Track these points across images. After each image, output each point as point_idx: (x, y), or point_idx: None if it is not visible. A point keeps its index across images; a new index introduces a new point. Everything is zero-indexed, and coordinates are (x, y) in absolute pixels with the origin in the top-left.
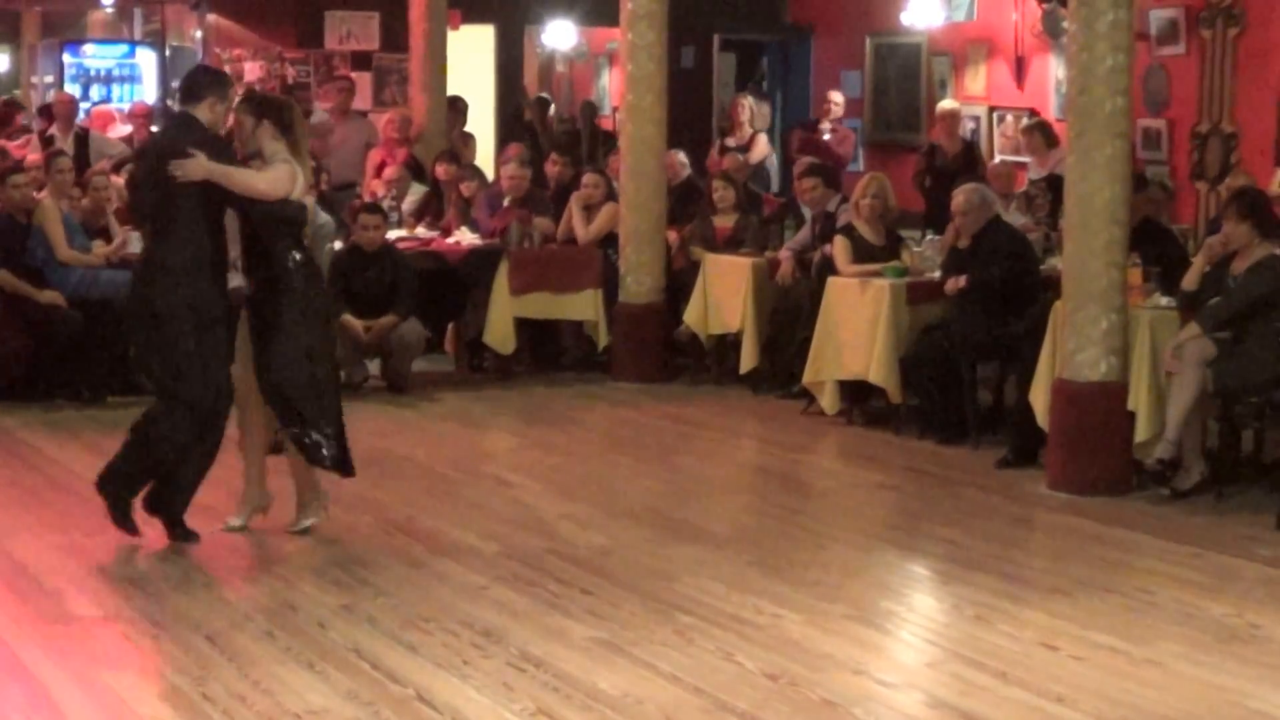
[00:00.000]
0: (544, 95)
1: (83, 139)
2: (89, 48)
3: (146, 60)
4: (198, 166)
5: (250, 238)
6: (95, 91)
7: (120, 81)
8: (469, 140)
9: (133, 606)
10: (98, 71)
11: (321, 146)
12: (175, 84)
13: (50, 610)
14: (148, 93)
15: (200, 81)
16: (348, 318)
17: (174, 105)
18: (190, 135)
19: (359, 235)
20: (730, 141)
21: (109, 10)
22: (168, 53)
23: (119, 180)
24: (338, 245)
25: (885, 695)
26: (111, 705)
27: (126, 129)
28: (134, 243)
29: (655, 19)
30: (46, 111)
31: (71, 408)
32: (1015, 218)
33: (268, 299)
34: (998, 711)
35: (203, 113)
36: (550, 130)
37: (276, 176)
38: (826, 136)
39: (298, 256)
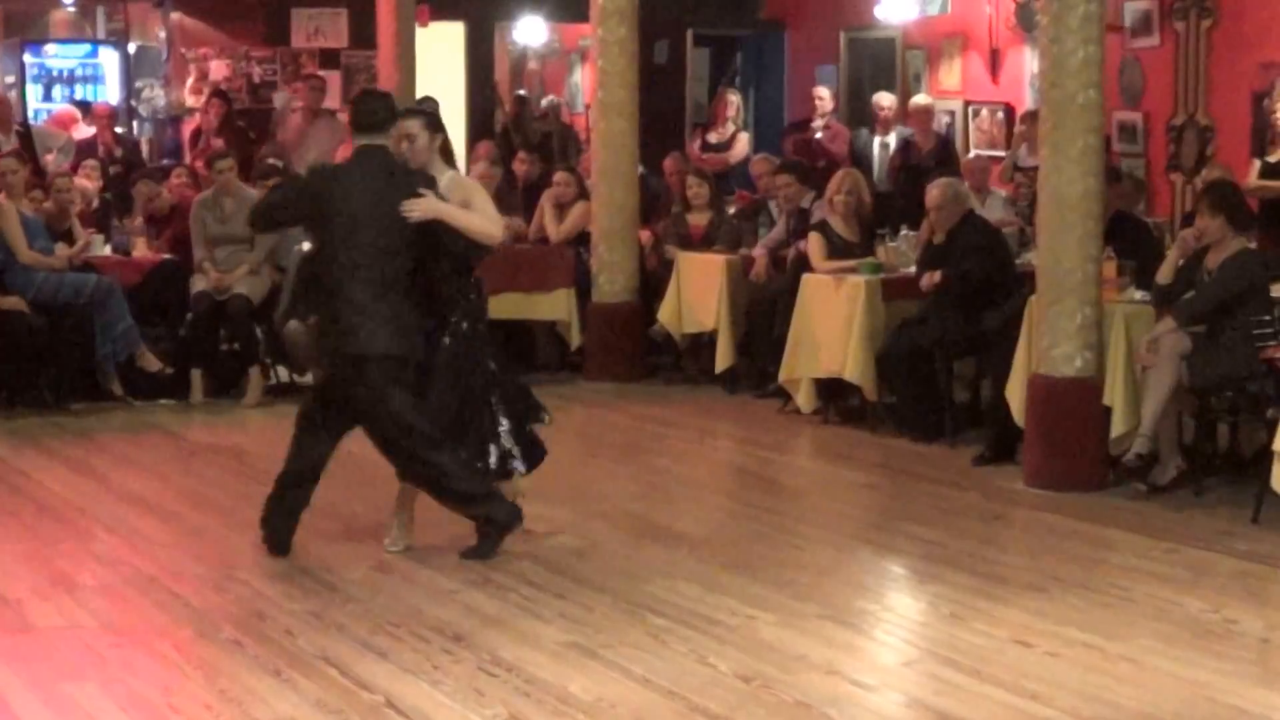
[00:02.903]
0: (522, 93)
1: (25, 136)
2: (51, 47)
3: (109, 60)
4: (430, 205)
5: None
6: (58, 92)
7: (83, 81)
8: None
9: (96, 616)
10: (60, 72)
11: (287, 144)
12: (139, 84)
13: (11, 620)
14: (110, 93)
15: (381, 109)
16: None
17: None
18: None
19: None
20: (712, 137)
21: (71, 9)
22: (131, 52)
23: (84, 182)
24: (306, 246)
25: (860, 696)
26: (74, 717)
27: (90, 130)
28: (97, 245)
29: (626, 14)
30: None
31: (34, 414)
32: (991, 212)
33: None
34: (973, 710)
35: (391, 143)
36: (526, 128)
37: (494, 213)
38: (818, 135)
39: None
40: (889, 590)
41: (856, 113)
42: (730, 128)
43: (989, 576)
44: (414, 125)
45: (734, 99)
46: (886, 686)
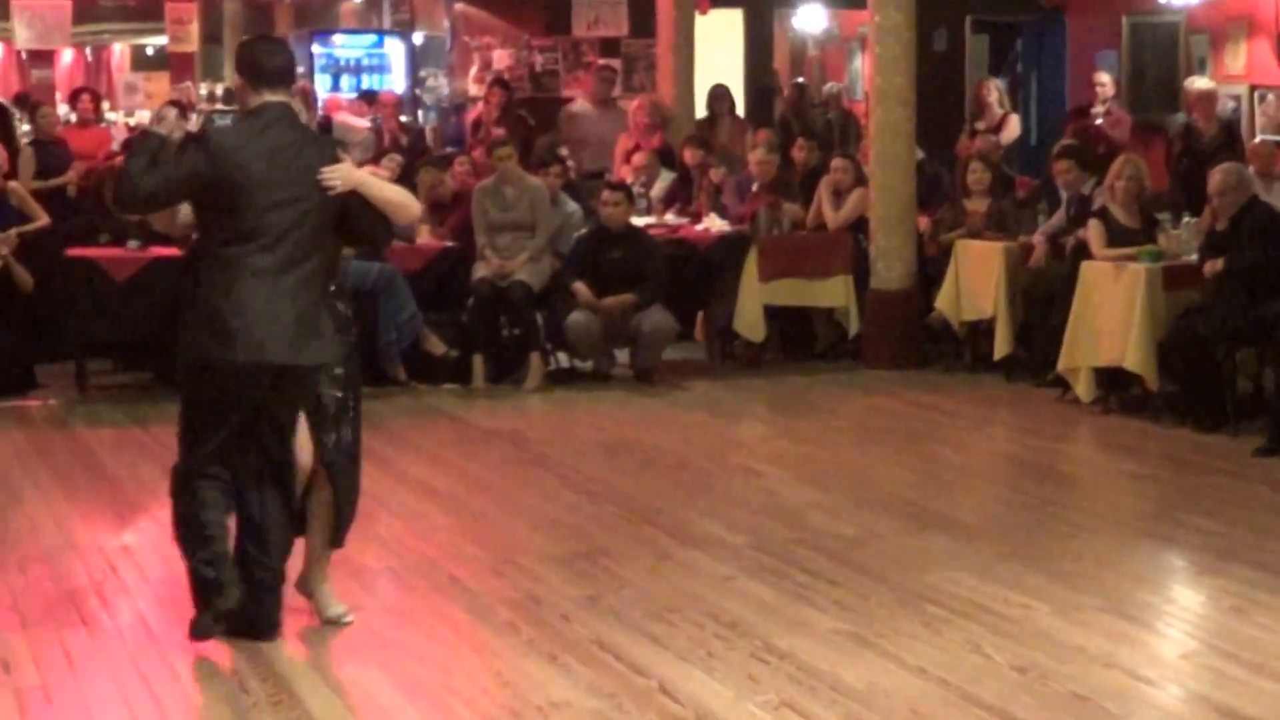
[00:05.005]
0: (800, 80)
1: (325, 129)
2: (338, 38)
3: (395, 50)
4: (350, 173)
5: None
6: (345, 81)
7: (369, 71)
8: (743, 129)
9: (378, 598)
10: (347, 61)
11: (574, 134)
12: (423, 73)
13: (291, 601)
14: (396, 82)
15: (286, 56)
16: (579, 285)
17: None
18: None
19: (602, 212)
20: (980, 125)
21: (358, 1)
22: (416, 42)
23: (381, 173)
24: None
25: (1137, 689)
26: (355, 697)
27: (362, 122)
28: None
29: (903, 1)
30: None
31: None
32: (1277, 199)
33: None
34: (1255, 705)
35: (298, 102)
36: (805, 115)
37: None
38: (1099, 121)
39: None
40: (1169, 582)
41: (1139, 98)
42: (997, 112)
43: (1271, 569)
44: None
45: (993, 84)
46: (1165, 680)
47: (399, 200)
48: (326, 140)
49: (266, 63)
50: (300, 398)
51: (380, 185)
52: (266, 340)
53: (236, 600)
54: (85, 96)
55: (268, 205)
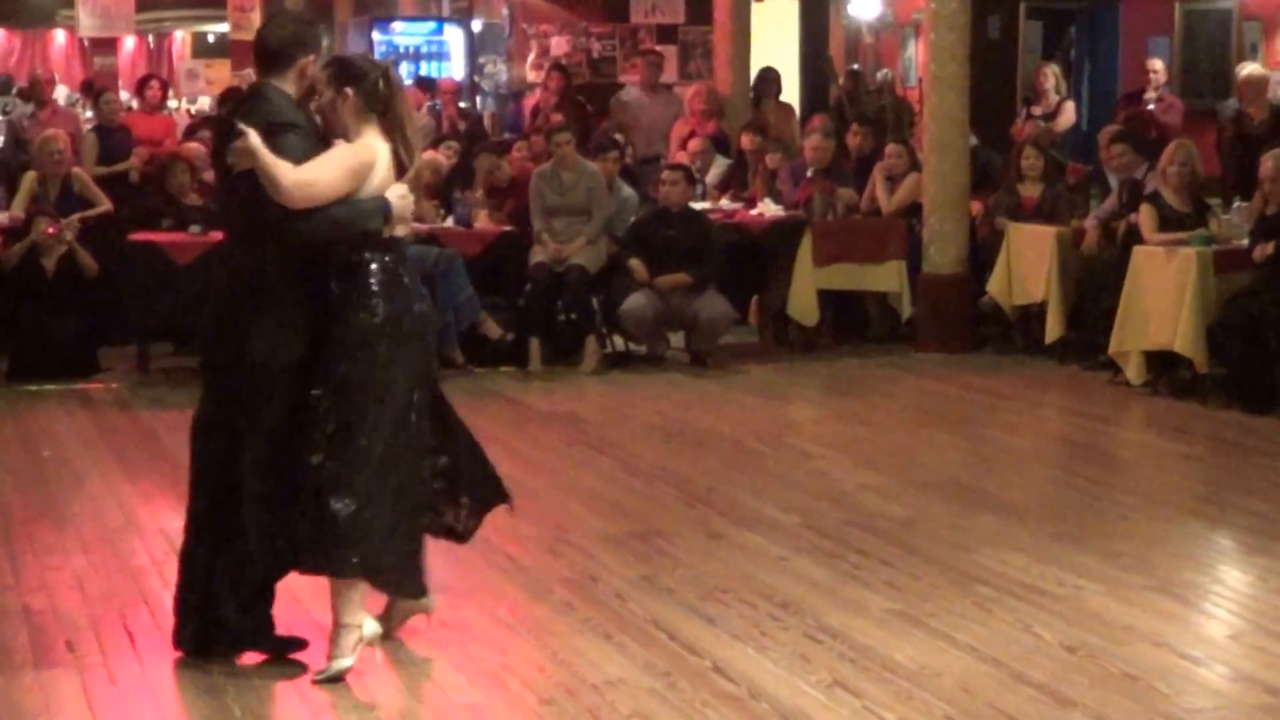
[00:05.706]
0: (855, 67)
1: None
2: (397, 25)
3: (454, 37)
4: (248, 147)
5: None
6: (404, 68)
7: (428, 59)
8: (789, 112)
9: (432, 577)
10: (406, 49)
11: (626, 121)
12: (482, 60)
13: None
14: (455, 69)
15: (277, 36)
16: (635, 261)
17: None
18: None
19: (661, 191)
20: (1036, 110)
21: None
22: (475, 29)
23: (438, 157)
24: None
25: (1186, 668)
26: (411, 675)
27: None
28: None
29: None
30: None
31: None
32: None
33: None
34: None
35: (289, 83)
36: (860, 102)
37: (312, 168)
38: (1151, 107)
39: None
40: (1218, 562)
41: (1191, 85)
42: (1053, 98)
43: None
44: (320, 77)
45: (1051, 70)
46: (1214, 659)
47: (267, 171)
48: (263, 113)
49: (258, 47)
50: (241, 396)
51: (265, 159)
52: (199, 331)
53: (188, 644)
54: (154, 83)
55: (219, 191)
